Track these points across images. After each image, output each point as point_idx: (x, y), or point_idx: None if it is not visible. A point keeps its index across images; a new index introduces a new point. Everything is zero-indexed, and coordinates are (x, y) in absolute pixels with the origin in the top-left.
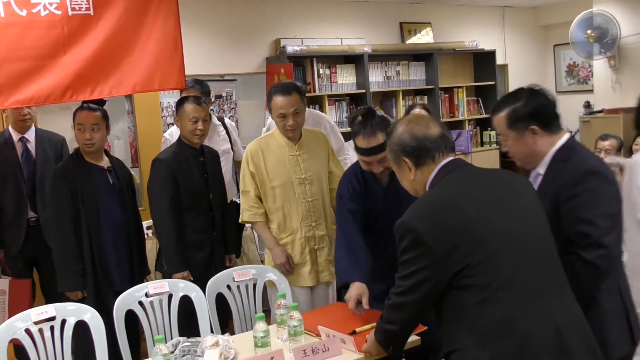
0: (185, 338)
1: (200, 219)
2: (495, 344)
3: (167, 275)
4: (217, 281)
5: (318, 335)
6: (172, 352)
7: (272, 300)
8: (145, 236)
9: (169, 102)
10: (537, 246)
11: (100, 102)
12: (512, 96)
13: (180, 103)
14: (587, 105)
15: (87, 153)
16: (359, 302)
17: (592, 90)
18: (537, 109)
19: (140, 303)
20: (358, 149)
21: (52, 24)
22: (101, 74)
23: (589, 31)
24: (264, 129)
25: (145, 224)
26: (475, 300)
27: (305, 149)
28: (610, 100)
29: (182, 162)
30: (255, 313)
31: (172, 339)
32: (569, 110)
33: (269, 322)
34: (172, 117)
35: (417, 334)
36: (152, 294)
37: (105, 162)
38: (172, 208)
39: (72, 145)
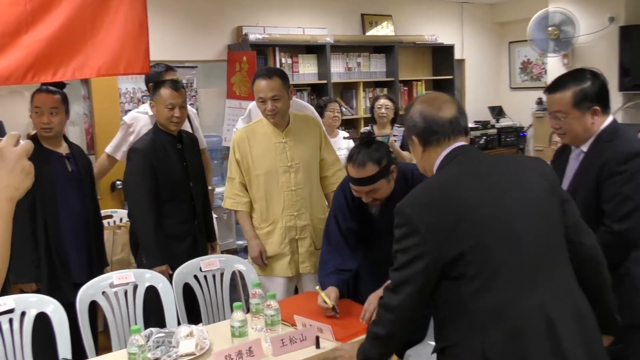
0: (158, 329)
1: (181, 209)
2: (487, 332)
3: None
4: (184, 271)
5: (294, 325)
6: (146, 343)
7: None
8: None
9: (127, 88)
10: (533, 236)
11: (60, 85)
12: (575, 76)
13: (156, 87)
14: (540, 101)
15: (45, 138)
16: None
17: (545, 87)
18: (602, 91)
19: (104, 294)
20: (348, 175)
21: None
22: (64, 55)
23: (550, 28)
24: (242, 117)
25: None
26: (470, 291)
27: (292, 136)
28: None
29: (160, 150)
30: (223, 303)
31: None
32: (523, 106)
33: None
34: (130, 104)
35: None
36: (117, 284)
37: (64, 149)
38: (151, 200)
39: (29, 129)
